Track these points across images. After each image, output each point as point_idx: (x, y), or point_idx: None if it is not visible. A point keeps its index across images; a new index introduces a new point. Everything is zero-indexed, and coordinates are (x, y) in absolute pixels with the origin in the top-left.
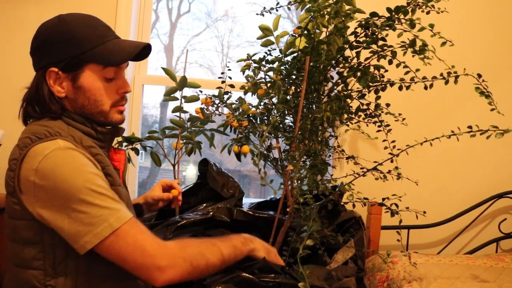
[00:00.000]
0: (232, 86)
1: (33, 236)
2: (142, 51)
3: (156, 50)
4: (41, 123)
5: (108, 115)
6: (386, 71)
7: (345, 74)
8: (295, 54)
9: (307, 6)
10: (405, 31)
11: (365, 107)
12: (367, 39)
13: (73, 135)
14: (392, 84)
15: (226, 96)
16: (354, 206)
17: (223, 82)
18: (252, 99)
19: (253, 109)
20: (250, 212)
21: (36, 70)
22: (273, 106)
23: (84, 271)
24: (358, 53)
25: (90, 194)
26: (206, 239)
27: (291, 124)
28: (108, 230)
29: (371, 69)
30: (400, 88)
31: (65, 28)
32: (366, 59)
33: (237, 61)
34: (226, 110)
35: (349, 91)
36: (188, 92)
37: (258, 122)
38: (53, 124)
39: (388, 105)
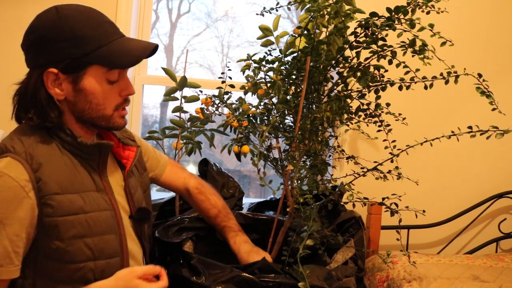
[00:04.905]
0: (232, 86)
1: None
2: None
3: None
4: (12, 134)
5: (110, 119)
6: (386, 71)
7: (345, 74)
8: (295, 54)
9: (307, 6)
10: (405, 31)
11: (365, 107)
12: (367, 39)
13: (28, 152)
14: (392, 84)
15: (226, 96)
16: (354, 206)
17: (223, 82)
18: (252, 99)
19: (253, 109)
20: (250, 215)
21: (30, 67)
22: (273, 106)
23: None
24: (358, 53)
25: None
26: None
27: (291, 124)
28: None
29: (371, 69)
30: (400, 88)
31: (66, 24)
32: (366, 59)
33: (237, 61)
34: (226, 110)
35: (349, 91)
36: (188, 92)
37: (258, 122)
38: (16, 135)
39: (388, 104)
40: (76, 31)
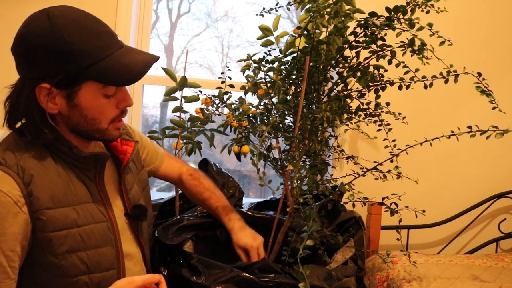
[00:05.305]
0: (232, 86)
1: None
2: None
3: (156, 50)
4: (3, 144)
5: (105, 132)
6: (386, 70)
7: (344, 74)
8: (295, 54)
9: (307, 6)
10: (404, 30)
11: (365, 106)
12: (367, 39)
13: (19, 165)
14: (391, 83)
15: (226, 96)
16: (354, 206)
17: (223, 82)
18: (252, 99)
19: (253, 109)
20: (250, 213)
21: (21, 77)
22: (273, 106)
23: None
24: (357, 53)
25: None
26: None
27: (291, 124)
28: None
29: (371, 68)
30: (400, 87)
31: (59, 36)
32: (366, 59)
33: (237, 61)
34: (226, 110)
35: (349, 91)
36: (188, 92)
37: (258, 122)
38: (8, 146)
39: (388, 104)
40: (70, 44)
